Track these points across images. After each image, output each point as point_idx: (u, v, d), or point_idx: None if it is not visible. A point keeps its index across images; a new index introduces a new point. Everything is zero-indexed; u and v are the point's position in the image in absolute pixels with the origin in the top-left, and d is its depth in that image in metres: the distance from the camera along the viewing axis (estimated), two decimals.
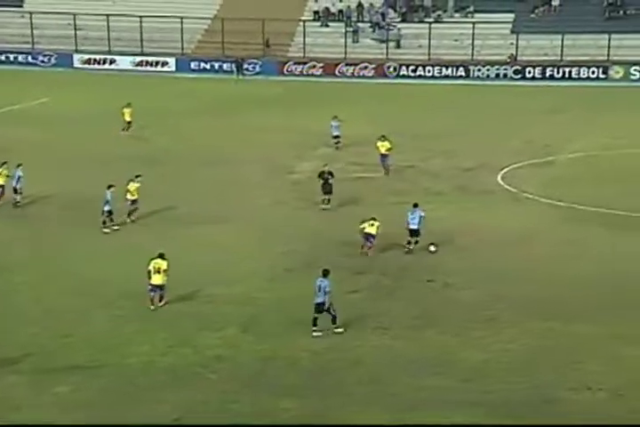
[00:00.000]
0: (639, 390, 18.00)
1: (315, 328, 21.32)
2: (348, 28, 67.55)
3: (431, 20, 68.36)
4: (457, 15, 68.94)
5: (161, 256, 23.01)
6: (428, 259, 26.42)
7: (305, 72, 65.79)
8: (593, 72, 63.40)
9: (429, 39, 66.08)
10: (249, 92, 57.13)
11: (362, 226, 26.83)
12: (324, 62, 65.55)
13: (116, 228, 29.13)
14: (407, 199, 33.09)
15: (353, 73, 65.32)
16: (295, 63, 66.10)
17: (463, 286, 24.00)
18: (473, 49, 65.79)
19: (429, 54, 66.40)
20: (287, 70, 65.71)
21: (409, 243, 27.30)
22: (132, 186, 29.99)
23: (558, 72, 63.87)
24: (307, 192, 34.36)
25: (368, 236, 26.73)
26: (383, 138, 37.59)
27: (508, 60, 65.14)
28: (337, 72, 65.51)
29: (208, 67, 65.64)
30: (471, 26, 65.52)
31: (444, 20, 68.57)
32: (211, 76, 63.00)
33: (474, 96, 57.45)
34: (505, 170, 37.53)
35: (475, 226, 29.43)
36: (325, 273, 21.68)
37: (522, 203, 32.73)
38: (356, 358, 19.98)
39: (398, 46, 67.30)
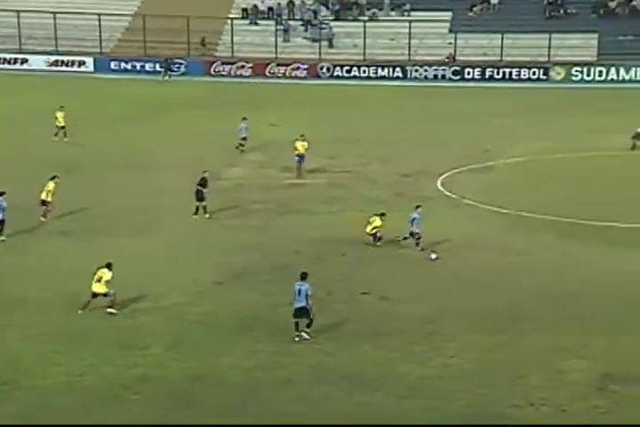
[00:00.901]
0: (583, 405, 18.18)
1: (297, 333, 21.45)
2: (278, 27, 67.58)
3: (366, 18, 68.81)
4: (393, 13, 69.48)
5: (108, 266, 23.20)
6: (365, 270, 26.39)
7: (233, 72, 65.59)
8: (534, 73, 64.43)
9: (364, 38, 66.44)
10: (175, 93, 56.73)
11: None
12: (254, 62, 65.44)
13: (2, 238, 28.69)
14: (344, 207, 33.29)
15: (284, 74, 65.32)
16: (223, 63, 65.86)
17: (403, 297, 24.01)
18: (410, 49, 66.34)
19: (364, 54, 66.76)
20: (214, 71, 65.45)
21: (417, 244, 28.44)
22: (49, 186, 30.58)
23: (498, 73, 64.74)
24: (236, 200, 34.20)
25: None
26: (302, 137, 37.97)
27: (447, 61, 65.81)
28: (267, 73, 65.44)
29: (129, 67, 65.04)
30: (408, 25, 66.06)
31: (380, 18, 69.05)
32: (133, 77, 62.43)
33: (411, 98, 57.91)
34: (444, 175, 37.85)
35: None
36: (304, 276, 21.74)
37: (462, 209, 33.01)
38: (288, 376, 19.82)
39: (331, 46, 67.53)
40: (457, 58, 65.66)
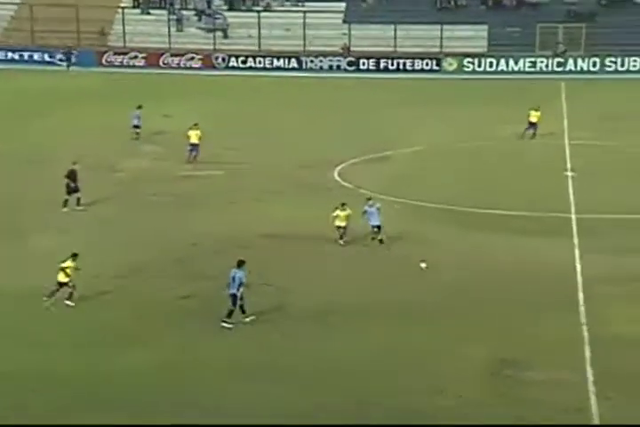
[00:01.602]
0: (477, 391, 18.58)
1: (226, 319, 21.64)
2: (171, 16, 66.85)
3: (260, 8, 68.65)
4: (287, 4, 69.54)
5: (73, 256, 23.10)
6: (264, 263, 26.35)
7: (126, 63, 64.63)
8: (427, 64, 65.33)
9: (259, 29, 66.29)
10: (67, 84, 55.57)
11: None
12: (147, 53, 64.60)
13: None
14: (242, 198, 33.20)
15: (179, 64, 64.69)
16: (115, 53, 64.85)
17: (300, 289, 24.05)
18: (305, 39, 66.47)
19: (259, 45, 66.62)
20: (106, 61, 64.41)
21: (373, 239, 27.77)
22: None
23: (392, 64, 65.41)
24: (132, 192, 33.74)
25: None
26: (195, 126, 37.97)
27: (342, 52, 66.18)
28: (161, 63, 64.70)
29: (17, 57, 63.48)
30: (302, 15, 66.18)
31: (274, 8, 69.00)
32: (20, 67, 60.90)
33: (307, 89, 58.05)
34: (341, 166, 38.08)
35: (312, 225, 29.67)
36: (240, 264, 21.89)
37: (359, 200, 33.15)
38: (197, 370, 19.67)
39: (226, 36, 67.19)
40: (352, 49, 66.06)
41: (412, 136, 43.42)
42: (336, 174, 36.81)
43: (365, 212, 27.94)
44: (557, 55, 65.12)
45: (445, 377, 19.09)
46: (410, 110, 49.64)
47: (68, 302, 23.12)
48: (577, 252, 26.77)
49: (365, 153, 40.16)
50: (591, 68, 64.10)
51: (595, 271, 25.00)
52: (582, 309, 22.53)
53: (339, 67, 65.65)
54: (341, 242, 27.76)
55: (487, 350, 20.28)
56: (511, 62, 64.67)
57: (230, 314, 21.82)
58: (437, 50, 65.86)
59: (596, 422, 17.12)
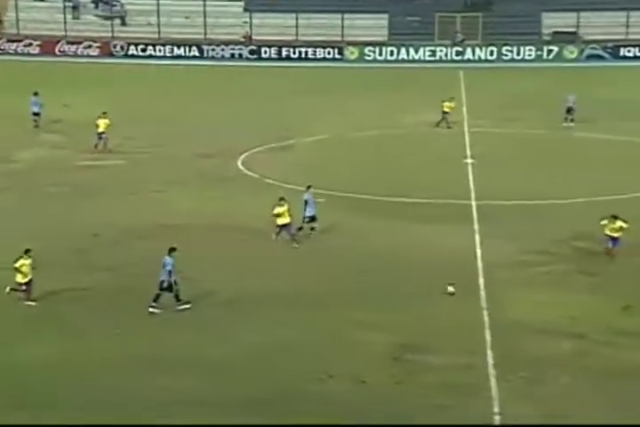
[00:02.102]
0: (380, 375, 18.77)
1: (153, 304, 21.59)
2: (66, 3, 65.55)
3: None
4: None
5: (26, 252, 22.31)
6: (163, 252, 26.04)
7: (20, 51, 63.22)
8: (329, 52, 65.61)
9: (158, 16, 65.54)
10: None
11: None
12: (42, 40, 63.28)
13: None
14: (143, 188, 32.79)
15: (76, 52, 63.54)
16: (8, 41, 63.33)
17: (205, 278, 23.86)
18: (205, 28, 65.95)
19: (159, 33, 65.83)
20: (0, 49, 62.86)
21: (303, 228, 27.09)
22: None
23: (294, 52, 65.47)
24: (30, 183, 33.03)
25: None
26: (104, 115, 37.74)
27: (243, 40, 65.88)
28: (57, 51, 63.49)
29: None
30: (202, 3, 65.65)
31: None
32: None
33: (209, 77, 57.66)
34: (245, 155, 37.94)
35: (217, 215, 29.51)
36: (170, 251, 21.91)
37: (263, 189, 33.14)
38: (91, 364, 19.33)
39: (124, 24, 66.22)
40: (253, 37, 65.83)
41: (315, 125, 43.53)
42: (240, 163, 36.66)
43: (307, 201, 27.20)
44: (456, 44, 66.10)
45: (348, 363, 19.18)
46: (312, 99, 49.76)
47: (28, 303, 22.22)
48: (477, 238, 27.20)
49: (269, 142, 40.10)
50: (488, 57, 65.28)
51: (494, 257, 25.45)
52: (483, 293, 22.90)
53: (240, 55, 65.39)
54: (274, 236, 26.47)
55: (390, 336, 20.44)
56: (411, 51, 65.40)
57: (157, 298, 21.76)
58: (339, 38, 66.15)
59: (496, 403, 17.45)
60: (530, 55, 64.99)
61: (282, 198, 26.37)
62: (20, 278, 22.17)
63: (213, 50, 65.25)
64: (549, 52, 64.96)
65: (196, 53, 65.12)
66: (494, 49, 65.28)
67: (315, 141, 40.96)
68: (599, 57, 64.54)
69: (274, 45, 65.46)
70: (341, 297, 22.72)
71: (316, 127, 43.04)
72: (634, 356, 19.12)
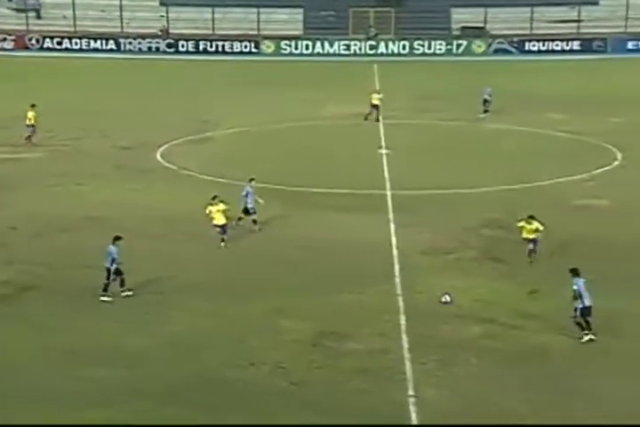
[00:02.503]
0: (300, 361, 18.95)
1: (103, 293, 21.80)
2: None
3: None
4: None
5: None
6: (84, 243, 25.81)
7: None
8: (245, 46, 65.49)
9: (74, 10, 64.50)
10: None
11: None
12: None
13: None
14: (62, 181, 32.38)
15: None
16: None
17: (127, 269, 23.68)
18: (122, 21, 65.16)
19: (75, 26, 64.82)
20: None
21: (242, 218, 26.93)
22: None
23: (211, 46, 65.17)
24: None
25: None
26: (32, 107, 37.50)
27: (160, 34, 65.31)
28: None
29: None
30: None
31: None
32: None
33: (126, 70, 57.01)
34: (164, 147, 37.71)
35: (137, 206, 29.31)
36: (115, 239, 22.05)
37: (183, 180, 33.05)
38: (13, 358, 19.11)
39: (39, 17, 65.01)
40: (170, 31, 65.29)
41: (233, 117, 43.45)
42: (159, 156, 36.43)
43: (247, 194, 27.05)
44: (369, 38, 66.59)
45: (269, 350, 19.31)
46: (230, 92, 49.66)
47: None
48: (392, 226, 27.55)
49: (187, 134, 39.93)
50: (401, 51, 65.92)
51: (409, 245, 25.81)
52: (398, 280, 23.24)
53: (158, 49, 64.84)
54: (223, 245, 25.38)
55: (309, 323, 20.63)
56: (326, 45, 65.67)
57: (106, 288, 21.81)
58: (255, 33, 66.04)
59: (411, 386, 17.78)
60: (440, 49, 65.84)
61: (215, 197, 25.38)
62: None
63: (130, 43, 64.53)
64: (459, 46, 65.89)
65: (113, 47, 64.32)
66: (406, 43, 65.94)
67: (232, 134, 40.91)
68: (506, 51, 65.72)
69: (191, 39, 65.04)
70: (262, 286, 22.82)
71: (233, 120, 42.97)
72: (540, 338, 19.65)
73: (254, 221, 27.04)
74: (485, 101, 43.34)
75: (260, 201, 27.12)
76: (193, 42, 64.96)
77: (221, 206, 25.17)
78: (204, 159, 35.83)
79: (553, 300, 21.20)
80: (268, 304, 21.67)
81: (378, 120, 42.04)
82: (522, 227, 24.00)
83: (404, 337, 19.91)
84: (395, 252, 25.34)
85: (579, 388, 17.64)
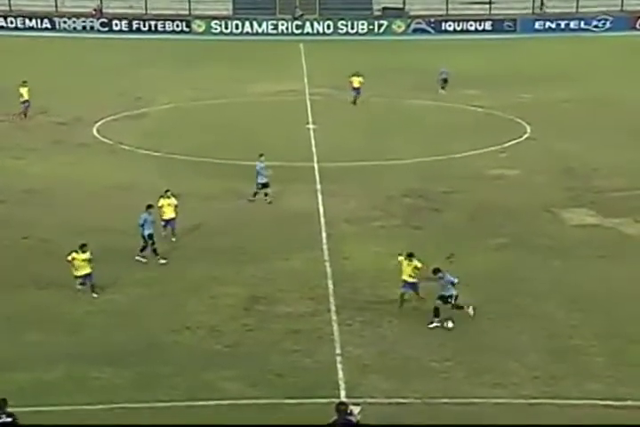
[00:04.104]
0: (233, 324, 18.88)
1: (140, 253, 22.19)
2: None
3: None
4: None
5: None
6: (22, 215, 25.28)
7: None
8: (177, 25, 64.50)
9: None
10: None
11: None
12: None
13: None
14: (2, 155, 31.67)
15: None
16: None
17: (62, 241, 23.24)
18: (57, 0, 63.60)
19: (10, 5, 63.08)
20: None
21: (258, 193, 26.69)
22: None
23: (144, 25, 64.06)
24: None
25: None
26: (24, 83, 37.25)
27: (94, 13, 63.94)
28: None
29: None
30: None
31: None
32: None
33: (61, 49, 55.73)
34: (100, 123, 37.04)
35: (72, 179, 28.80)
36: (148, 207, 22.12)
37: (119, 154, 32.56)
38: None
39: None
40: (104, 10, 63.95)
41: (167, 94, 42.90)
42: (95, 131, 35.79)
43: (260, 169, 26.66)
44: (296, 18, 66.10)
45: (204, 315, 19.27)
46: (163, 70, 48.98)
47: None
48: (320, 197, 27.58)
49: (123, 110, 39.30)
50: (326, 31, 65.59)
51: (335, 214, 25.89)
52: (325, 247, 23.32)
53: (92, 28, 63.53)
54: (164, 235, 23.39)
55: (242, 289, 20.63)
56: (255, 25, 65.03)
57: (143, 249, 22.04)
58: (187, 12, 65.11)
59: (338, 346, 17.91)
60: (363, 29, 65.71)
61: (167, 191, 23.69)
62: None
63: (65, 22, 63.05)
64: (380, 26, 65.84)
65: (48, 26, 62.77)
66: (331, 23, 65.65)
67: (166, 110, 40.37)
68: (424, 31, 65.89)
69: (124, 18, 63.82)
70: (196, 255, 22.66)
71: (167, 96, 42.42)
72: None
73: (266, 194, 26.84)
74: (445, 80, 43.36)
75: (269, 173, 26.93)
76: (126, 21, 63.76)
77: (173, 200, 23.51)
78: (140, 134, 35.33)
79: (467, 264, 21.50)
80: (202, 272, 21.58)
81: (355, 103, 40.48)
82: (400, 262, 19.63)
83: (332, 300, 20.04)
84: (322, 220, 25.40)
85: (492, 343, 17.98)
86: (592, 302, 20.00)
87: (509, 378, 16.73)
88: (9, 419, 13.54)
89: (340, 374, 16.87)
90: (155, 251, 22.21)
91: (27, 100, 37.22)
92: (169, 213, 23.57)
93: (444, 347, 17.93)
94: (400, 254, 19.65)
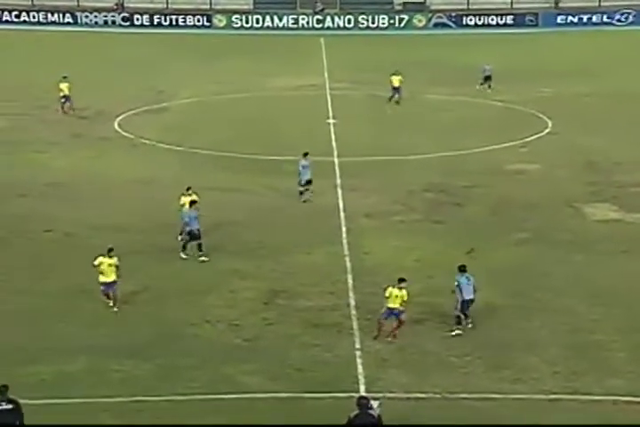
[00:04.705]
0: (253, 318, 18.85)
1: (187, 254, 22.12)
2: None
3: None
4: None
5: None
6: (44, 209, 25.40)
7: None
8: (198, 20, 64.56)
9: None
10: None
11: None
12: None
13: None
14: (23, 149, 31.87)
15: None
16: None
17: (85, 235, 23.40)
18: None
19: (32, 0, 63.33)
20: None
21: (304, 191, 26.35)
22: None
23: (165, 20, 64.18)
24: None
25: None
26: (65, 79, 37.39)
27: (115, 7, 64.10)
28: None
29: None
30: None
31: None
32: None
33: (83, 43, 55.94)
34: (121, 117, 37.15)
35: (95, 173, 28.90)
36: (191, 204, 22.16)
37: (140, 149, 32.65)
38: None
39: None
40: (126, 5, 64.10)
41: (188, 89, 42.96)
42: (116, 125, 35.91)
43: (303, 167, 26.33)
44: (316, 13, 65.99)
45: (223, 309, 19.26)
46: (184, 64, 49.05)
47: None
48: (340, 191, 27.51)
49: (144, 105, 39.42)
50: (346, 25, 65.45)
51: (355, 208, 25.82)
52: (345, 241, 23.26)
53: (114, 22, 63.67)
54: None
55: (262, 283, 20.61)
56: (275, 19, 64.98)
57: (185, 246, 22.01)
58: (207, 7, 65.14)
59: (357, 340, 17.87)
60: (383, 23, 65.50)
61: (189, 188, 23.32)
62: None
63: (87, 17, 63.24)
64: (400, 20, 65.61)
65: (70, 20, 62.98)
66: (351, 17, 65.49)
67: (188, 104, 40.43)
68: (445, 25, 65.60)
69: (145, 13, 63.95)
70: (217, 249, 22.65)
71: (188, 91, 42.47)
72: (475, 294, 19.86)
73: (307, 190, 26.43)
74: (488, 77, 42.28)
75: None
76: (147, 16, 63.89)
77: (194, 197, 23.04)
78: (161, 128, 35.39)
79: (488, 259, 21.38)
80: (223, 266, 21.59)
81: (398, 103, 39.16)
82: (390, 293, 18.01)
83: (352, 295, 19.98)
84: (342, 215, 25.34)
85: (512, 338, 17.89)
86: (613, 296, 19.85)
87: (529, 373, 16.64)
88: (9, 406, 13.41)
89: (360, 368, 16.83)
90: (200, 246, 21.99)
91: (66, 96, 36.90)
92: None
93: (464, 341, 17.84)
94: (386, 287, 18.05)
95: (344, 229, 24.26)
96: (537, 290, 20.14)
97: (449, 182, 28.05)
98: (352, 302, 19.61)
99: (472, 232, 23.81)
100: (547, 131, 35.17)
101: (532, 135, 34.28)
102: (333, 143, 33.19)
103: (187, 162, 30.65)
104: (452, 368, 16.88)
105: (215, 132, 34.75)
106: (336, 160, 30.91)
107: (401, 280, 17.98)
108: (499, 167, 30.02)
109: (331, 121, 36.79)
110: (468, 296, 18.13)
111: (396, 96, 39.56)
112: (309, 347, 17.64)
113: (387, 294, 17.89)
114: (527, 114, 38.03)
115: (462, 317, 18.22)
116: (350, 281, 20.75)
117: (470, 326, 18.30)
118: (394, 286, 17.95)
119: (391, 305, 17.91)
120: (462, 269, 18.43)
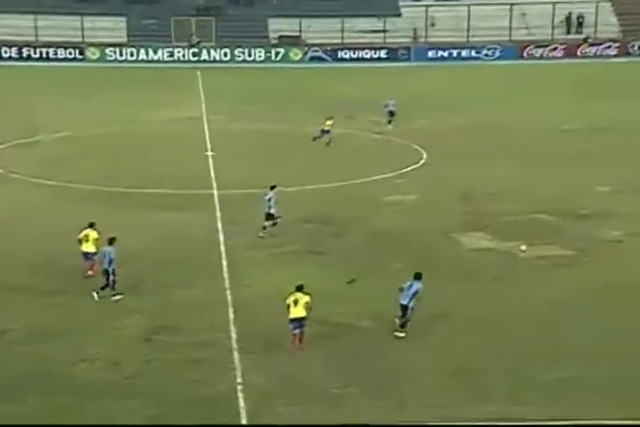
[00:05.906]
0: (133, 355, 18.45)
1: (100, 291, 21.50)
2: None
3: None
4: None
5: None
6: None
7: None
8: (70, 53, 63.73)
9: None
10: None
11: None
12: None
13: None
14: None
15: None
16: None
17: None
18: None
19: None
20: None
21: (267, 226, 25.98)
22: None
23: (35, 52, 63.07)
24: None
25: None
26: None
27: None
28: None
29: None
30: None
31: None
32: None
33: None
34: None
35: None
36: (110, 241, 21.62)
37: (11, 183, 31.87)
38: None
39: None
40: None
41: (59, 122, 42.24)
42: None
43: (270, 199, 26.19)
44: (192, 46, 66.13)
45: (101, 346, 18.90)
46: (56, 97, 48.24)
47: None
48: (219, 224, 27.48)
49: (14, 139, 38.48)
50: (223, 58, 65.80)
51: (235, 241, 25.82)
52: (226, 275, 23.21)
53: None
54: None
55: (142, 319, 20.34)
56: (150, 52, 64.79)
57: (104, 287, 21.38)
58: (80, 39, 64.40)
59: (239, 374, 17.81)
60: (260, 56, 66.15)
61: (92, 224, 22.99)
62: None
63: None
64: (277, 53, 66.41)
65: None
66: (228, 50, 65.90)
67: (59, 138, 39.73)
68: (320, 59, 66.76)
69: (14, 45, 62.70)
70: (93, 285, 22.22)
71: (61, 124, 41.76)
72: (357, 322, 20.13)
73: (274, 224, 26.29)
74: (392, 113, 41.53)
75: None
76: (16, 48, 62.67)
77: (95, 235, 22.73)
78: (32, 163, 34.64)
79: (368, 288, 21.72)
80: (101, 301, 21.19)
81: (328, 144, 38.18)
82: (289, 303, 18.80)
83: (233, 328, 19.94)
84: (222, 248, 25.29)
85: (393, 365, 18.19)
86: (488, 323, 20.44)
87: (409, 400, 16.91)
88: None
89: (241, 402, 16.76)
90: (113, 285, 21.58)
91: None
92: (89, 247, 22.76)
93: (346, 370, 18.01)
94: (289, 295, 18.75)
95: (224, 262, 24.21)
96: (416, 317, 20.53)
97: (328, 213, 28.43)
98: (233, 336, 19.56)
99: (352, 262, 24.14)
100: (422, 161, 36.12)
101: (408, 166, 35.14)
102: (212, 175, 33.17)
103: (58, 196, 30.04)
104: (334, 399, 16.99)
105: (90, 166, 34.22)
106: (215, 192, 30.89)
107: (300, 287, 18.93)
108: (377, 198, 30.61)
109: (209, 153, 36.79)
110: (402, 301, 19.36)
111: (326, 136, 38.67)
112: (189, 383, 17.47)
113: (290, 300, 18.56)
114: (403, 145, 38.99)
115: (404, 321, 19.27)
116: (231, 315, 20.70)
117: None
118: (292, 295, 18.71)
119: (295, 315, 18.55)
120: (417, 276, 19.62)
